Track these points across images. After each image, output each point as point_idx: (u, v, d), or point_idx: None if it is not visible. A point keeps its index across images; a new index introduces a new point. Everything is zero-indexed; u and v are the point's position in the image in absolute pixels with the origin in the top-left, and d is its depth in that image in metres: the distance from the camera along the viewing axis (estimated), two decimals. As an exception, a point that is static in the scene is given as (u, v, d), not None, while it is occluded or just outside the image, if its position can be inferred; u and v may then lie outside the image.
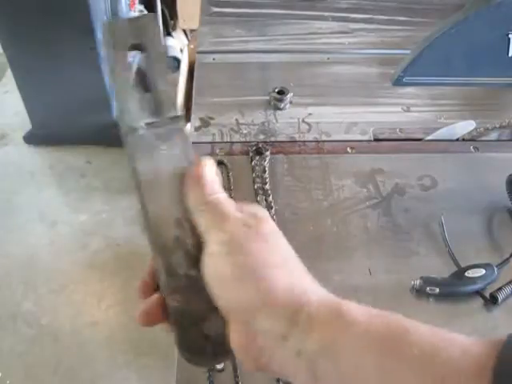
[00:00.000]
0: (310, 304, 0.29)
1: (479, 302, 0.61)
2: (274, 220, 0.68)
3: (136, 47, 0.33)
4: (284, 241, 0.34)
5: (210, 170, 0.33)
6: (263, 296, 0.29)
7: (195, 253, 0.32)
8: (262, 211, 0.34)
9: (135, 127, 0.33)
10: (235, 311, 0.30)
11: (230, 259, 0.30)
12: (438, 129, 0.84)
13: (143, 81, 0.33)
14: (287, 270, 0.31)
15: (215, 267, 0.31)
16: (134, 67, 0.33)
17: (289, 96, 0.87)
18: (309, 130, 0.85)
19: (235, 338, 0.30)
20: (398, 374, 0.26)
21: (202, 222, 0.32)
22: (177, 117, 0.34)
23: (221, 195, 0.33)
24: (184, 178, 0.33)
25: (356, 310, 0.29)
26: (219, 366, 0.53)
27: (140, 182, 0.33)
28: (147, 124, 0.33)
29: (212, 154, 0.78)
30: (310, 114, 0.88)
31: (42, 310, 1.57)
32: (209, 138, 0.81)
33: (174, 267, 0.32)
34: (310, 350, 0.28)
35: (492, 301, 0.61)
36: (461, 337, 0.27)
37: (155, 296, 0.35)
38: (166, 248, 0.32)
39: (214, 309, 0.31)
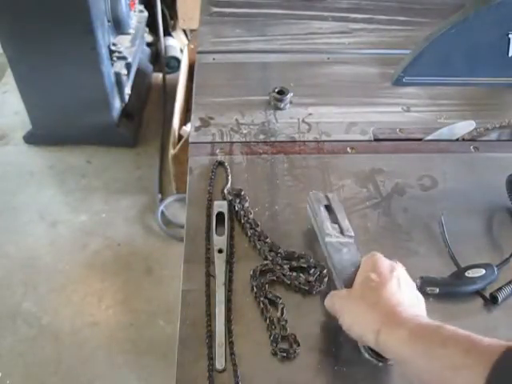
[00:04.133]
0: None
1: (479, 302, 0.61)
2: (255, 231, 0.68)
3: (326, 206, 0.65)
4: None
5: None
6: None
7: None
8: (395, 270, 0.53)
9: (330, 239, 0.61)
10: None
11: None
12: (438, 129, 0.84)
13: (333, 217, 0.64)
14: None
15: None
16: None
17: (289, 96, 0.87)
18: (309, 130, 0.85)
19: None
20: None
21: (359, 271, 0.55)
22: (351, 235, 0.62)
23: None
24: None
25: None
26: (220, 367, 0.53)
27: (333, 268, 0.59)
28: (336, 237, 0.62)
29: (212, 153, 0.78)
30: (310, 114, 0.88)
31: (42, 310, 1.57)
32: (209, 138, 0.81)
33: None
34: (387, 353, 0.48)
35: (492, 301, 0.61)
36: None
37: None
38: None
39: None
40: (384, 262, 0.54)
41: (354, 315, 0.51)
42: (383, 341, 0.46)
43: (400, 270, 0.53)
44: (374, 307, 0.49)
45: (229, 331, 0.56)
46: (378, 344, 0.47)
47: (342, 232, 0.64)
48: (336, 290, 0.57)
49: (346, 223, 0.65)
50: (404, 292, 0.51)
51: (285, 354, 0.54)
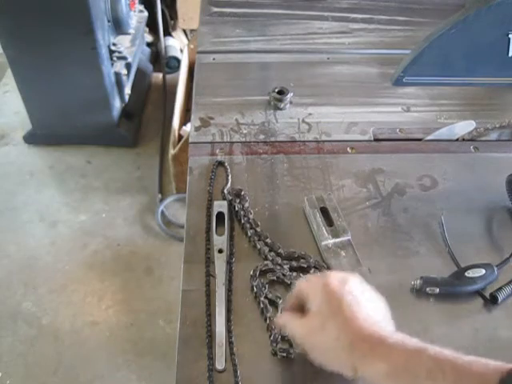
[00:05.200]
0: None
1: (479, 302, 0.61)
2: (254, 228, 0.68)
3: (322, 209, 0.68)
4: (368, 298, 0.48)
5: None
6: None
7: None
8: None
9: (326, 243, 0.64)
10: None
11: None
12: (438, 129, 0.84)
13: (329, 219, 0.66)
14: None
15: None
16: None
17: (289, 96, 0.87)
18: (309, 130, 0.85)
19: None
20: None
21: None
22: (347, 236, 0.65)
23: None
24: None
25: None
26: (220, 367, 0.53)
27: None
28: (333, 241, 0.65)
29: (212, 153, 0.78)
30: (310, 114, 0.88)
31: (42, 310, 1.57)
32: (209, 138, 0.81)
33: None
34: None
35: (492, 301, 0.61)
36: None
37: None
38: None
39: None
40: (332, 282, 0.47)
41: (322, 353, 0.47)
42: (363, 377, 0.43)
43: (352, 283, 0.48)
44: (338, 341, 0.44)
45: (229, 331, 0.56)
46: (360, 380, 0.43)
47: (338, 234, 0.64)
48: (288, 311, 0.52)
49: (342, 224, 0.65)
50: (364, 307, 0.46)
51: (285, 354, 0.54)
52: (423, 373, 0.39)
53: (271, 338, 0.56)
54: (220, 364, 0.54)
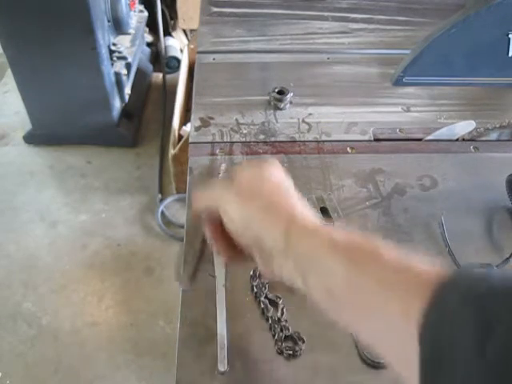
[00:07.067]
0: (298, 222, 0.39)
1: (479, 302, 0.61)
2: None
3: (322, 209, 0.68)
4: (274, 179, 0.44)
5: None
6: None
7: None
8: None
9: None
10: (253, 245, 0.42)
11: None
12: (438, 129, 0.84)
13: (329, 219, 0.66)
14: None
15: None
16: None
17: (289, 96, 0.87)
18: (309, 130, 0.85)
19: (260, 265, 0.43)
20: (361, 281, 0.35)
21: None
22: None
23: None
24: None
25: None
26: (221, 368, 0.53)
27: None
28: None
29: (212, 153, 0.78)
30: (310, 114, 0.88)
31: (42, 310, 1.57)
32: (209, 138, 0.81)
33: None
34: (299, 262, 0.38)
35: (492, 301, 0.60)
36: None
37: None
38: None
39: None
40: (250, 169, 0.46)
41: (246, 215, 0.41)
42: (295, 244, 0.38)
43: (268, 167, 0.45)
44: (271, 205, 0.41)
45: (229, 331, 0.56)
46: (288, 250, 0.38)
47: None
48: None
49: (341, 225, 0.66)
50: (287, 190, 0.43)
51: (291, 352, 0.54)
52: (374, 257, 0.36)
53: (275, 336, 0.56)
54: (222, 365, 0.53)
